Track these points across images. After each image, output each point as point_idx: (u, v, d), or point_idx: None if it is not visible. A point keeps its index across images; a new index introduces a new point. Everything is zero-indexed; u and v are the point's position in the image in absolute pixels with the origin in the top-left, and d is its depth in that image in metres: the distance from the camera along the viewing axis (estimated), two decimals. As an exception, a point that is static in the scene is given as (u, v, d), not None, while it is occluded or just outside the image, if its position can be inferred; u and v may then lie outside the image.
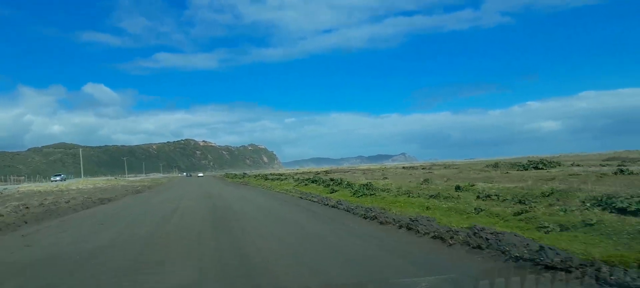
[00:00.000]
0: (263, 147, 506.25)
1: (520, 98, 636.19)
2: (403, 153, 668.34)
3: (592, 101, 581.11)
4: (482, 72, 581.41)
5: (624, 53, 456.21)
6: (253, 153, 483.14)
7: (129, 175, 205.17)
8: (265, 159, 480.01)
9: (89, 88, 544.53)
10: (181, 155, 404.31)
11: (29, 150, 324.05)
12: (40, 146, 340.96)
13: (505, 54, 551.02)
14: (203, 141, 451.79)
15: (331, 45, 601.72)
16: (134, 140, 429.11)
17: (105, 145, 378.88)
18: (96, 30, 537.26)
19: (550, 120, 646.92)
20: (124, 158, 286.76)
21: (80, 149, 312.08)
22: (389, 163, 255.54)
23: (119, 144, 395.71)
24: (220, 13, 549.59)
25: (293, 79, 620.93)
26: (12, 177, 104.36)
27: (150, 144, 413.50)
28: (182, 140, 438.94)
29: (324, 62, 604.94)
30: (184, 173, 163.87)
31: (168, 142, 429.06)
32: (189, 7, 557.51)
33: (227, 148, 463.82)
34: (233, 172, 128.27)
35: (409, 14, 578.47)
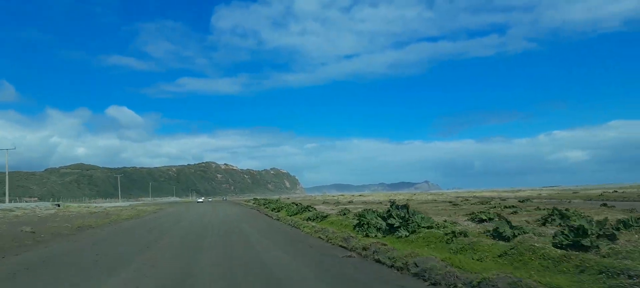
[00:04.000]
0: (285, 171, 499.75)
1: (546, 126, 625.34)
2: (426, 181, 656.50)
3: (621, 130, 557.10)
4: (507, 100, 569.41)
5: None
6: (275, 178, 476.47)
7: (131, 199, 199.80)
8: (287, 184, 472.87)
9: (113, 111, 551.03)
10: (201, 179, 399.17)
11: (45, 170, 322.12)
12: (57, 166, 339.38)
13: (531, 81, 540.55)
14: (224, 164, 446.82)
15: (353, 71, 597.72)
16: (156, 163, 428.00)
17: (124, 167, 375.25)
18: (121, 54, 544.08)
19: (577, 150, 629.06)
20: (127, 180, 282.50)
21: (98, 170, 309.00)
22: (413, 191, 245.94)
23: (138, 166, 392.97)
24: (244, 38, 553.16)
25: (314, 105, 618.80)
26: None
27: (170, 166, 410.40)
28: (202, 163, 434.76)
29: (346, 87, 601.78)
30: (200, 199, 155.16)
31: (188, 164, 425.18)
32: (212, 32, 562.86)
33: (249, 172, 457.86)
34: (258, 197, 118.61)
35: (432, 39, 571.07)
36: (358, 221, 16.47)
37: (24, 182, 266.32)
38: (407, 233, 13.03)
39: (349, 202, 58.20)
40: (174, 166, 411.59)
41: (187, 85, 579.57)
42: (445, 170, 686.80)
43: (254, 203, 70.84)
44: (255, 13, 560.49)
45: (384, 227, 14.20)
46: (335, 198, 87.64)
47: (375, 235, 13.85)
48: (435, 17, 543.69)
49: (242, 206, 68.84)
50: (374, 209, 18.98)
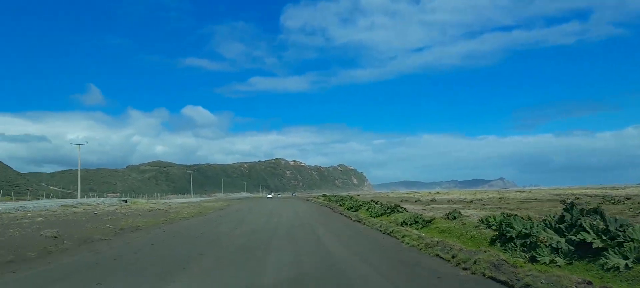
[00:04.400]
0: (353, 168, 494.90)
1: (635, 118, 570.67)
2: (501, 178, 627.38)
3: None
4: (589, 91, 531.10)
5: None
6: (342, 174, 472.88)
7: (204, 195, 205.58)
8: (355, 181, 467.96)
9: (189, 110, 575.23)
10: (271, 175, 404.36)
11: (127, 168, 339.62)
12: (137, 164, 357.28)
13: (617, 70, 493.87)
14: (293, 161, 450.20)
15: (423, 64, 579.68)
16: (229, 160, 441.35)
17: (199, 164, 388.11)
18: (196, 56, 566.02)
19: None
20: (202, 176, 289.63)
21: (175, 167, 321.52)
22: (487, 189, 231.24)
23: (212, 163, 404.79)
24: (312, 36, 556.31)
25: (382, 100, 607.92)
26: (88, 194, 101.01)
27: (242, 163, 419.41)
28: (272, 159, 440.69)
29: (415, 81, 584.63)
30: (270, 195, 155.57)
31: (259, 161, 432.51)
32: (282, 32, 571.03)
33: (317, 169, 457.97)
34: (327, 194, 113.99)
35: (507, 29, 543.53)
36: (497, 231, 10.67)
37: (108, 178, 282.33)
38: (628, 263, 7.05)
39: (432, 200, 51.65)
40: (246, 163, 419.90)
41: (258, 85, 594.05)
42: (521, 166, 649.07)
43: (324, 200, 66.04)
44: (323, 10, 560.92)
45: (563, 246, 8.29)
46: (412, 195, 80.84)
47: (552, 262, 8.00)
48: (510, 4, 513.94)
49: (311, 203, 64.30)
50: (508, 212, 13.06)
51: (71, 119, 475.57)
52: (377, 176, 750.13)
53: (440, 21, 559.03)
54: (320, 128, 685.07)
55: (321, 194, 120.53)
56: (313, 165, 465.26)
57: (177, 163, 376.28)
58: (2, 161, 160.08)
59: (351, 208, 30.92)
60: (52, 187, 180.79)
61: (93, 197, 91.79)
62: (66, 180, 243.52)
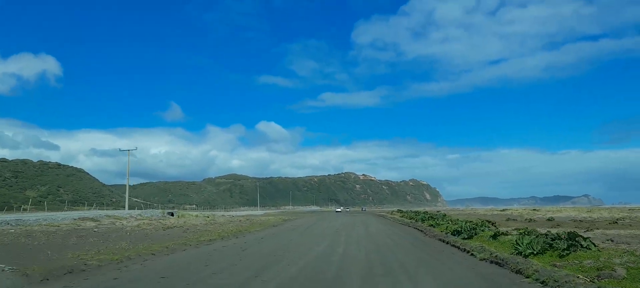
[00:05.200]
0: (425, 183, 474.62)
1: None
2: (586, 195, 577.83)
3: None
4: None
5: None
6: (414, 189, 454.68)
7: (273, 207, 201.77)
8: (427, 196, 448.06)
9: (263, 126, 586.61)
10: (341, 189, 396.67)
11: (203, 180, 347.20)
12: (213, 177, 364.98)
13: None
14: (363, 175, 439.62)
15: (499, 77, 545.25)
16: (299, 174, 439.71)
17: (271, 177, 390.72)
18: (270, 74, 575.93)
19: None
20: (289, 191, 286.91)
21: (249, 180, 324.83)
22: (571, 206, 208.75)
23: (284, 176, 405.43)
24: (383, 51, 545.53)
25: (456, 114, 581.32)
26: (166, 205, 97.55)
27: (312, 176, 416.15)
28: (342, 173, 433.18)
29: (491, 94, 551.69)
30: (339, 209, 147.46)
31: (329, 175, 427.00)
32: (353, 48, 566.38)
33: (387, 183, 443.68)
34: (403, 209, 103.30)
35: (593, 38, 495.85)
36: None
37: (185, 190, 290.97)
38: None
39: (529, 220, 40.11)
40: (316, 176, 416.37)
41: (329, 100, 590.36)
42: (609, 182, 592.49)
43: (401, 216, 55.38)
44: (394, 25, 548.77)
45: None
46: (502, 212, 67.95)
47: None
48: (596, 12, 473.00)
49: (386, 219, 53.95)
50: None
51: (154, 135, 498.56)
52: (451, 192, 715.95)
53: (518, 32, 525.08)
54: (390, 142, 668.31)
55: (395, 210, 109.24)
56: (383, 179, 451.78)
57: (250, 176, 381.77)
58: (91, 174, 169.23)
59: (456, 232, 20.66)
60: (134, 199, 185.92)
61: (169, 208, 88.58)
62: (146, 191, 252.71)
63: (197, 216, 50.57)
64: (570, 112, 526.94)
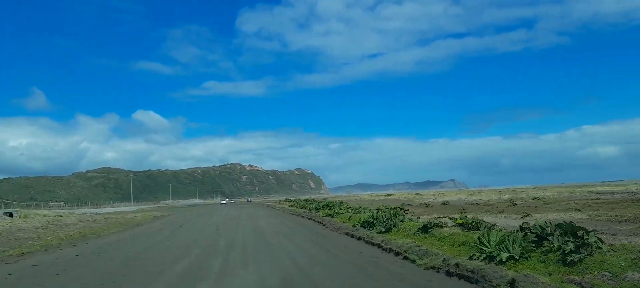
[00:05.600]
0: (310, 171, 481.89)
1: (575, 122, 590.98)
2: (452, 180, 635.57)
3: None
4: (535, 96, 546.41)
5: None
6: (299, 178, 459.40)
7: (151, 202, 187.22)
8: (312, 184, 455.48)
9: (140, 115, 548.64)
10: (226, 180, 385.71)
11: (72, 175, 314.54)
12: (84, 171, 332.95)
13: (561, 76, 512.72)
14: (249, 165, 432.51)
15: (377, 70, 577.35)
16: (182, 166, 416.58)
17: (149, 170, 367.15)
18: (148, 60, 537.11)
19: (609, 145, 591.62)
20: (169, 184, 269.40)
21: (126, 173, 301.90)
22: (439, 190, 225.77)
23: (164, 169, 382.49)
24: (268, 41, 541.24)
25: (338, 105, 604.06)
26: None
27: (195, 168, 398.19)
28: (227, 164, 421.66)
29: (370, 87, 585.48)
30: (224, 201, 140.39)
31: (214, 166, 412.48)
32: (237, 36, 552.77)
33: (273, 173, 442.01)
34: (291, 198, 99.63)
35: (458, 36, 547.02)
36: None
37: (51, 186, 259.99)
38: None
39: (425, 204, 38.60)
40: (200, 168, 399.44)
41: (213, 89, 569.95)
42: (471, 168, 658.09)
43: (291, 206, 51.07)
44: (279, 15, 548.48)
45: None
46: (388, 196, 67.26)
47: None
48: (462, 12, 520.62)
49: (275, 210, 49.19)
50: None
51: (13, 125, 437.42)
52: (334, 179, 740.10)
53: (394, 29, 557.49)
54: (276, 132, 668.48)
55: (283, 199, 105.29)
56: (270, 169, 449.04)
57: (127, 169, 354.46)
58: None
59: (371, 225, 16.27)
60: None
61: (31, 206, 75.54)
62: (2, 188, 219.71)
63: (45, 216, 41.04)
64: (439, 104, 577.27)
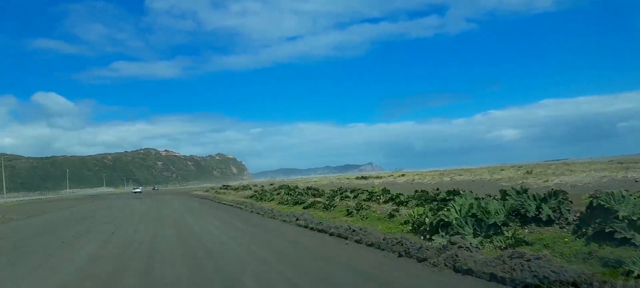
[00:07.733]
0: (231, 157, 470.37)
1: (483, 106, 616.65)
2: (370, 163, 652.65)
3: (551, 109, 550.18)
4: (446, 81, 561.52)
5: (582, 60, 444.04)
6: (221, 164, 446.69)
7: (55, 192, 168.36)
8: (234, 170, 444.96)
9: (40, 97, 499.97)
10: (140, 167, 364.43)
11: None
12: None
13: (469, 62, 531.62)
14: (165, 151, 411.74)
15: (296, 53, 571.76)
16: (91, 152, 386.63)
17: (53, 157, 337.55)
18: (48, 38, 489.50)
19: (511, 129, 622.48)
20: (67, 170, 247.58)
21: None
22: (359, 173, 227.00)
23: (69, 155, 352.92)
24: (181, 19, 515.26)
25: (258, 88, 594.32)
26: None
27: (106, 154, 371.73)
28: (141, 149, 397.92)
29: (290, 70, 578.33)
30: (138, 188, 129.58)
31: (125, 152, 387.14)
32: (147, 13, 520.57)
33: (193, 159, 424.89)
34: (215, 185, 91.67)
35: (374, 21, 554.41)
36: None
37: None
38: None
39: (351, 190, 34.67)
40: (110, 154, 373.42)
41: (123, 70, 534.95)
42: (387, 151, 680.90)
43: (215, 194, 44.44)
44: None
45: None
46: (330, 180, 63.37)
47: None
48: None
49: (216, 203, 39.11)
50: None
51: None
52: (256, 165, 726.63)
53: (311, 11, 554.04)
54: (194, 116, 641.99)
55: (209, 186, 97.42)
56: (188, 155, 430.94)
57: (27, 156, 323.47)
58: None
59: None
60: None
61: None
62: None
63: None
64: (357, 88, 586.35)
